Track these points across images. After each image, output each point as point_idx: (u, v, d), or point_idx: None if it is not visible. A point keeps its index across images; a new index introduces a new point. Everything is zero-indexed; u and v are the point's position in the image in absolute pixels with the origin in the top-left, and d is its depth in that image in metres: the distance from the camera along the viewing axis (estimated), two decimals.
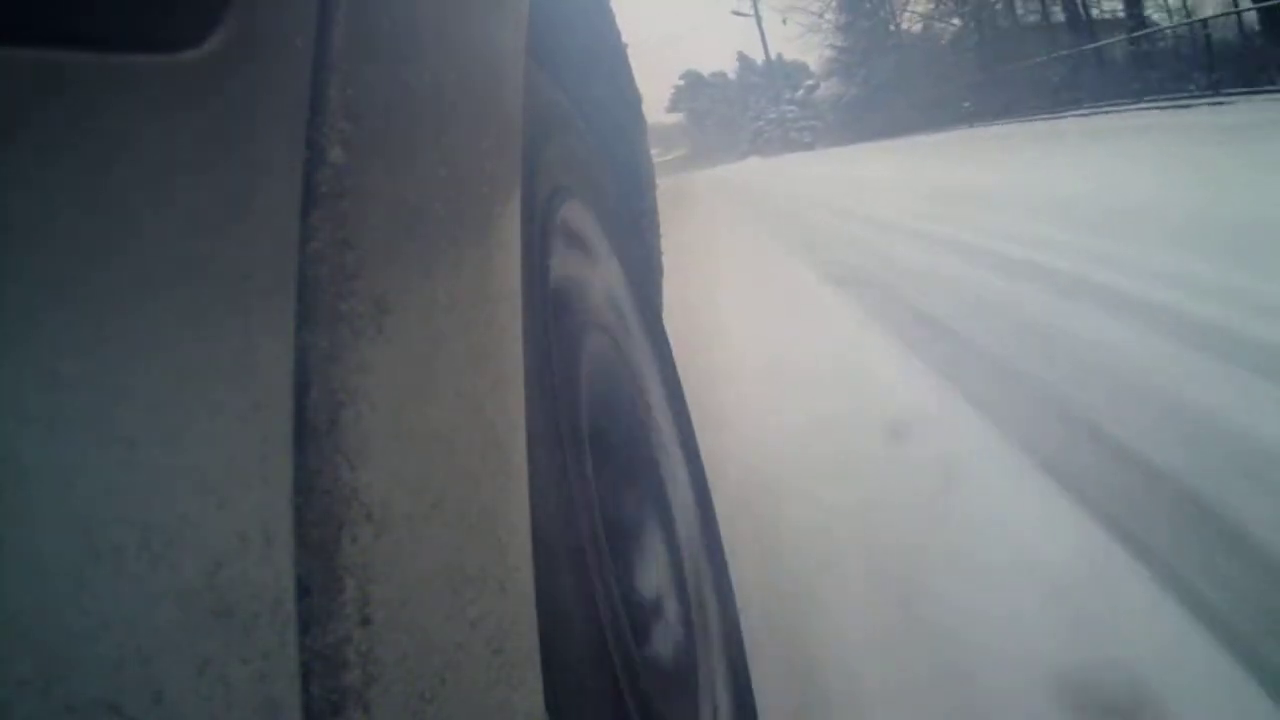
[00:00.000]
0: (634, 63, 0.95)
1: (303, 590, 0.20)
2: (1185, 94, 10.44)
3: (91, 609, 0.16)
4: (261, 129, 0.22)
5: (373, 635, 0.21)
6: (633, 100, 0.97)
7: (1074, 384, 1.71)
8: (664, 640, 0.60)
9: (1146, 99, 11.13)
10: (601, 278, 0.71)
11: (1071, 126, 10.56)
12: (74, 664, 0.16)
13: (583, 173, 0.67)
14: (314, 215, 0.22)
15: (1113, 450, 1.37)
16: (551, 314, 0.50)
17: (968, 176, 6.64)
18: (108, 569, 0.17)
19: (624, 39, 0.91)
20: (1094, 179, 4.90)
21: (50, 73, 0.18)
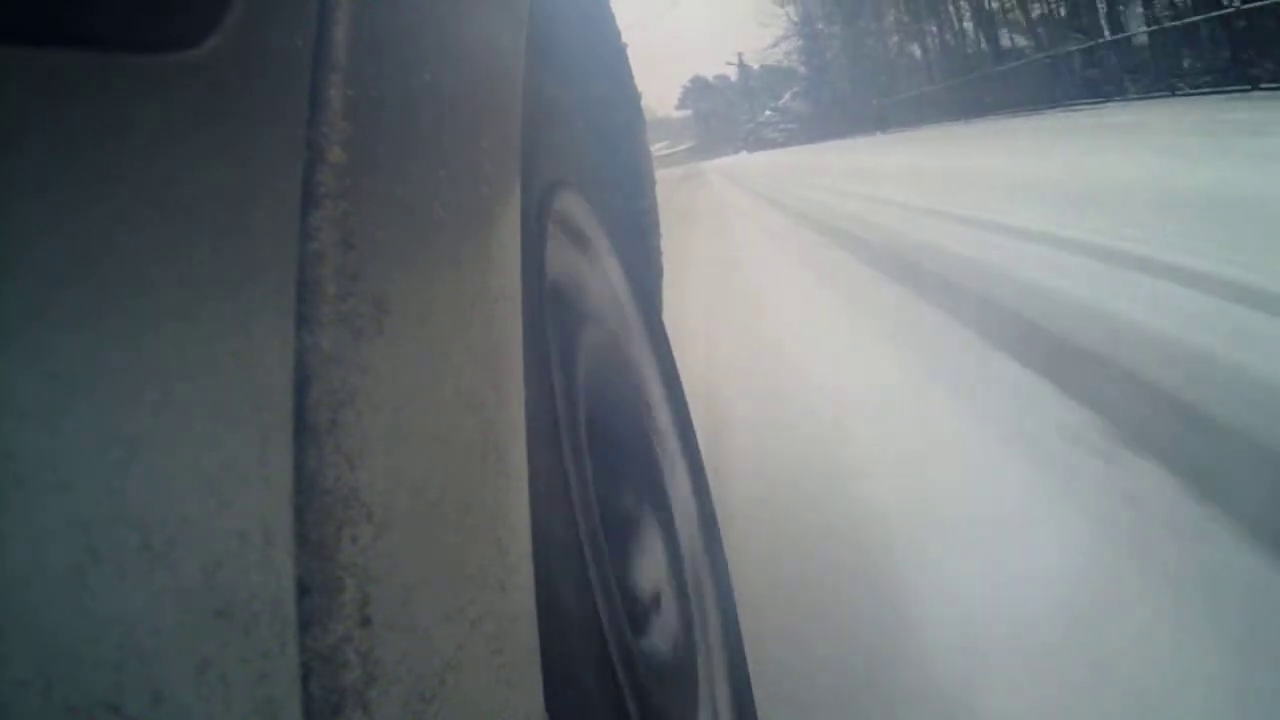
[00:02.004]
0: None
1: (303, 590, 0.20)
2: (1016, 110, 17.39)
3: (91, 609, 0.16)
4: (261, 129, 0.22)
5: (373, 635, 0.21)
6: (633, 99, 0.97)
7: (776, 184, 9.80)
8: (664, 640, 0.60)
9: (980, 116, 18.73)
10: (602, 277, 0.71)
11: (921, 134, 18.33)
12: (74, 664, 0.16)
13: (583, 172, 0.67)
14: (314, 215, 0.22)
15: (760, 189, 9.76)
16: (552, 314, 0.50)
17: (843, 161, 13.65)
18: (108, 569, 0.17)
19: (624, 38, 0.91)
20: (884, 161, 11.56)
21: (50, 73, 0.18)
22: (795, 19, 34.25)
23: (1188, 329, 1.93)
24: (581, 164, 0.67)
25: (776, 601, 1.13)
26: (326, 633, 0.20)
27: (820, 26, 32.15)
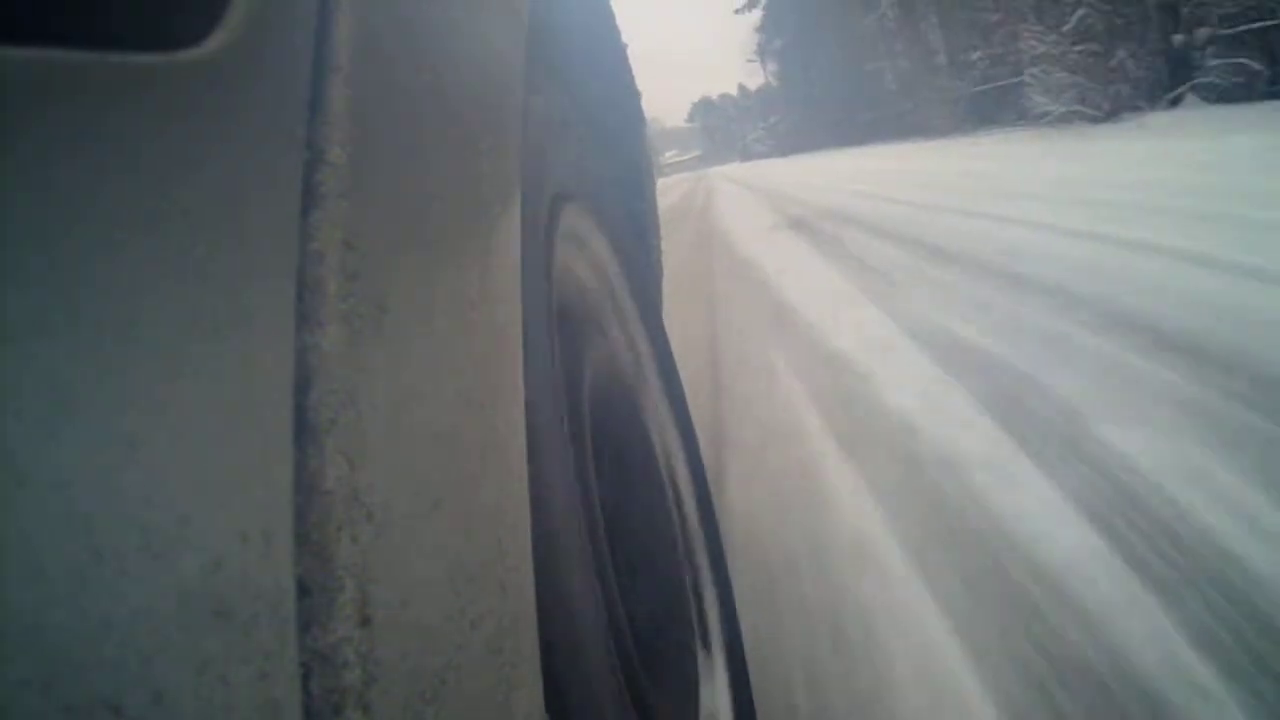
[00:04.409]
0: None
1: (303, 590, 0.20)
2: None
3: (91, 609, 0.16)
4: (261, 129, 0.22)
5: (373, 635, 0.21)
6: (632, 99, 0.97)
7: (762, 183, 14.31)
8: (664, 640, 0.60)
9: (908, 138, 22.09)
10: (601, 277, 0.71)
11: (835, 152, 24.34)
12: (74, 664, 0.16)
13: (583, 172, 0.67)
14: (314, 215, 0.22)
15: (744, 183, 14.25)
16: (551, 314, 0.50)
17: (807, 165, 18.58)
18: (108, 569, 0.17)
19: (624, 39, 0.91)
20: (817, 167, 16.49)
21: (50, 73, 0.18)
22: (770, 70, 45.75)
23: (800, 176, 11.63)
24: (581, 164, 0.67)
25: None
26: (326, 633, 0.20)
27: (779, 82, 43.69)
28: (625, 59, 0.93)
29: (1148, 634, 0.91)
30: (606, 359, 0.71)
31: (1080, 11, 10.26)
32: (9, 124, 0.17)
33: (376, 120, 0.26)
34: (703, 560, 0.76)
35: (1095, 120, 10.21)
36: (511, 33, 0.42)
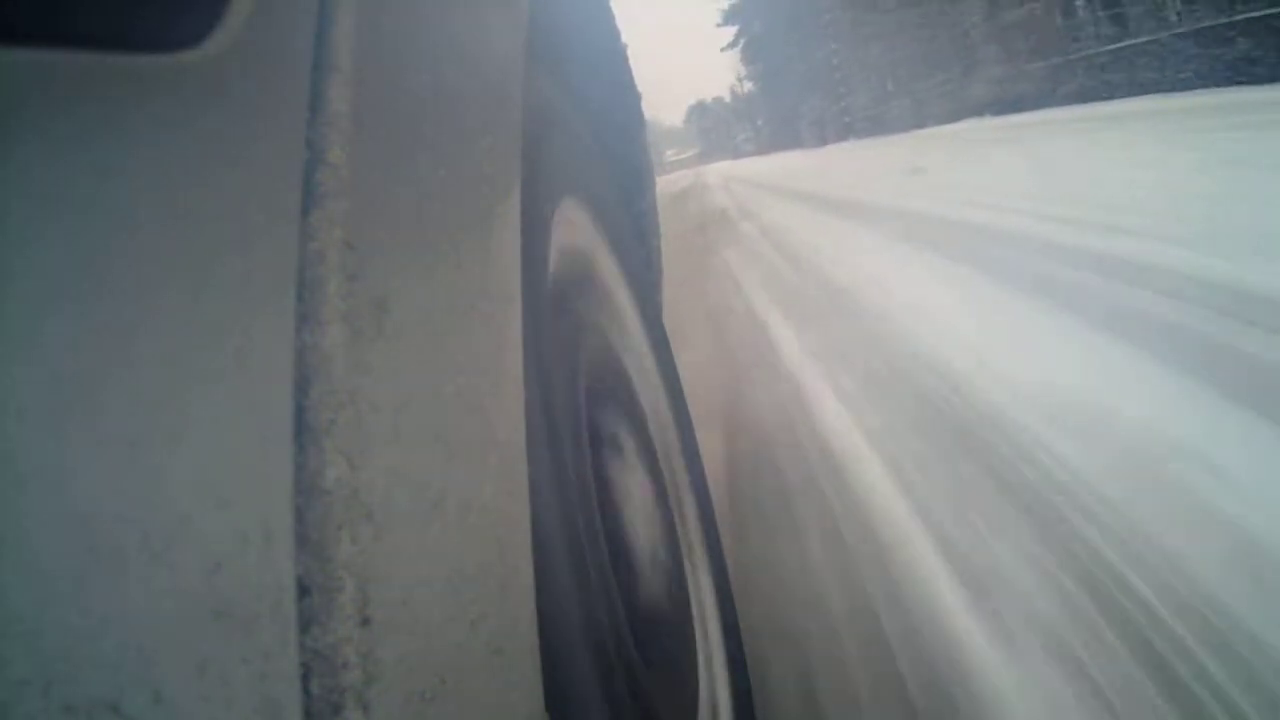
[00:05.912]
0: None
1: (303, 590, 0.20)
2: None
3: (91, 609, 0.16)
4: (261, 129, 0.22)
5: (373, 635, 0.21)
6: (633, 100, 0.97)
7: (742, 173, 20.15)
8: (663, 638, 0.60)
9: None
10: (601, 278, 0.71)
11: (802, 150, 29.39)
12: (74, 664, 0.16)
13: (583, 173, 0.67)
14: (314, 215, 0.22)
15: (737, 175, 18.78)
16: (551, 314, 0.50)
17: (763, 161, 26.06)
18: (108, 569, 0.17)
19: (624, 39, 0.91)
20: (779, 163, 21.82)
21: (50, 73, 0.18)
22: (751, 83, 51.15)
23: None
24: (581, 165, 0.67)
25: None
26: (326, 633, 0.20)
27: (761, 94, 49.72)
28: (625, 60, 0.93)
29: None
30: (606, 359, 0.71)
31: (809, 117, 28.93)
32: (9, 124, 0.17)
33: (376, 120, 0.26)
34: (701, 555, 0.76)
35: (819, 146, 23.91)
36: (511, 33, 0.42)
